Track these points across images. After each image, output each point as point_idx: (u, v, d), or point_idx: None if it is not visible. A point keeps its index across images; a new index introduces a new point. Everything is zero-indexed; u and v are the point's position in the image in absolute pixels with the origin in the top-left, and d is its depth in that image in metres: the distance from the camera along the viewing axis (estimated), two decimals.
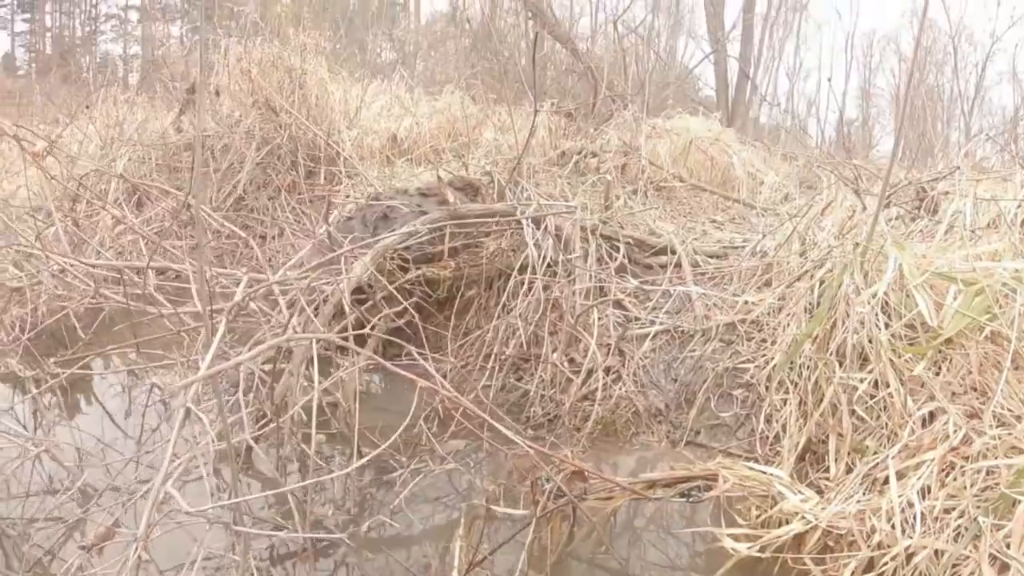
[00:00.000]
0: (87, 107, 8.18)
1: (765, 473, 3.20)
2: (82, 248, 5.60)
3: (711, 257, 5.42)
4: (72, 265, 4.40)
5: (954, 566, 2.67)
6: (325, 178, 7.59)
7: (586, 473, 3.03)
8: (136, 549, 2.01)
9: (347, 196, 6.88)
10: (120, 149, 7.50)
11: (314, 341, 3.45)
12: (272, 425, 3.40)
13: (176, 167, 7.55)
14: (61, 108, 8.84)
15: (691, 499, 3.22)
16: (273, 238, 6.67)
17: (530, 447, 2.92)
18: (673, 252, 5.19)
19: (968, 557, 2.66)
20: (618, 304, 4.59)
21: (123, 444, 3.86)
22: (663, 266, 5.14)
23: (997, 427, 3.05)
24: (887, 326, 3.60)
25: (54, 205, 5.93)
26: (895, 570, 2.75)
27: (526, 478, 3.12)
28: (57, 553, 2.92)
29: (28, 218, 5.45)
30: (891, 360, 3.49)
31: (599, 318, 4.25)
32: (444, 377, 3.80)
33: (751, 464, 3.33)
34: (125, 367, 4.49)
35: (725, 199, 8.10)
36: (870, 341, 3.59)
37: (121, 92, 8.77)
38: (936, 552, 2.73)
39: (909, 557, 2.74)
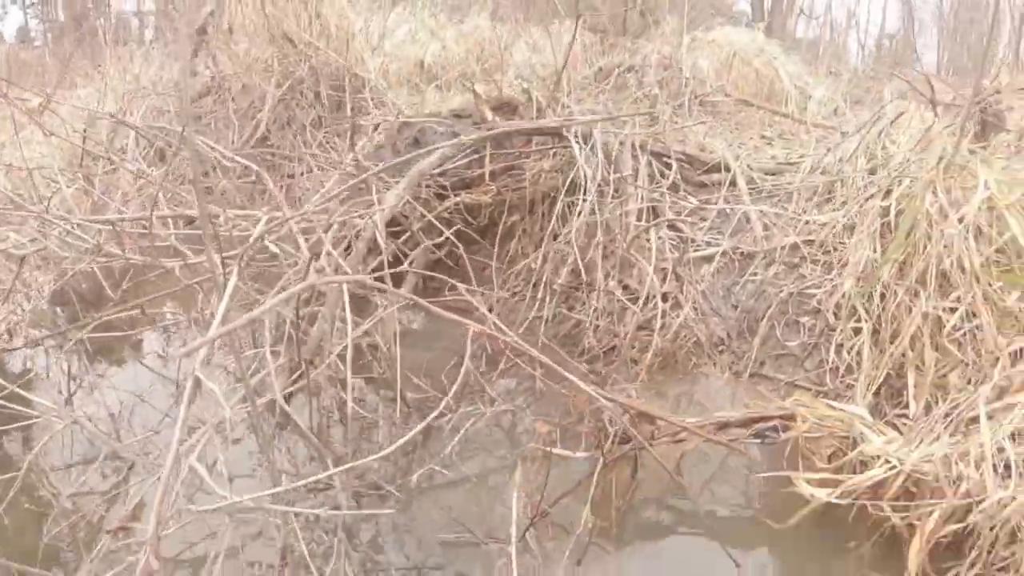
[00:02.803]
0: (98, 66, 7.83)
1: (846, 412, 2.93)
2: (102, 208, 5.06)
3: (767, 174, 5.05)
4: (77, 224, 3.87)
5: None
6: (352, 110, 7.16)
7: (654, 416, 2.76)
8: (145, 554, 1.76)
9: (375, 126, 6.44)
10: (136, 102, 7.17)
11: (344, 284, 3.12)
12: (306, 378, 3.11)
13: (196, 115, 7.12)
14: (76, 72, 8.53)
15: (766, 441, 2.93)
16: (302, 174, 6.12)
17: (595, 391, 2.64)
18: (727, 169, 4.84)
19: None
20: (671, 226, 4.26)
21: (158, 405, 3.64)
22: (717, 184, 4.79)
23: None
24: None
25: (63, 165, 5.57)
26: (982, 523, 2.50)
27: (585, 417, 2.86)
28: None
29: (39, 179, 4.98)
30: (982, 289, 3.19)
31: (652, 240, 3.94)
32: (490, 310, 3.52)
33: (830, 402, 3.05)
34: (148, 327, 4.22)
35: (773, 114, 7.65)
36: (961, 268, 3.27)
37: (137, 48, 8.43)
38: None
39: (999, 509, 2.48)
